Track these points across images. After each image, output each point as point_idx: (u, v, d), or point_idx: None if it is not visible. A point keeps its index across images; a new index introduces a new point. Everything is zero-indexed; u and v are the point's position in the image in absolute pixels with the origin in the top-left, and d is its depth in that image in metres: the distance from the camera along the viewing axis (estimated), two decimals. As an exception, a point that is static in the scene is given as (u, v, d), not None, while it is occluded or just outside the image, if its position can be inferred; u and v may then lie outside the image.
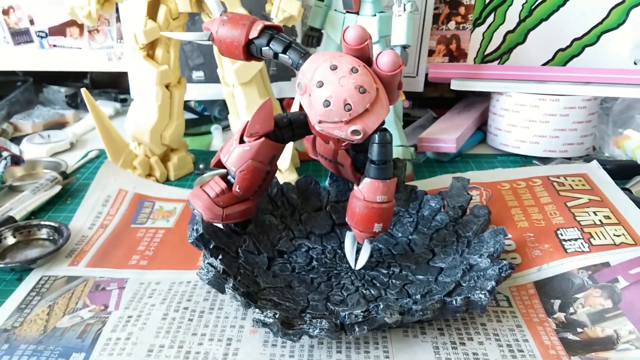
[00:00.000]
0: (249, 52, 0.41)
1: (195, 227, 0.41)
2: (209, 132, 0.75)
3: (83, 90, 0.52)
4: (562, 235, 0.45)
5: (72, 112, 0.77)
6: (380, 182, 0.39)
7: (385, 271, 0.43)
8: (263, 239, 0.46)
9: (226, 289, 0.36)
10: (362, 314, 0.34)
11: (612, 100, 0.69)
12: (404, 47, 0.54)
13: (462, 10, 0.70)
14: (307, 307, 0.39)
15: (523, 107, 0.65)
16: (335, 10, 0.58)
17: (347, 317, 0.34)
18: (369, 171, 0.39)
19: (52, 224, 0.48)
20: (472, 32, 0.72)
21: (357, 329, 0.34)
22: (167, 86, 0.56)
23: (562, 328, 0.38)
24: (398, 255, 0.46)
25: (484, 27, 0.72)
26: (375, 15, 0.56)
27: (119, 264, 0.45)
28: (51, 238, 0.48)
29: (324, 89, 0.37)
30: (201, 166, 0.63)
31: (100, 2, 0.51)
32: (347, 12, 0.57)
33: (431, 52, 0.73)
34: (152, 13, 0.52)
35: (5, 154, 0.57)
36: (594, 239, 0.44)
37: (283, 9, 0.51)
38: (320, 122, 0.38)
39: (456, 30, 0.72)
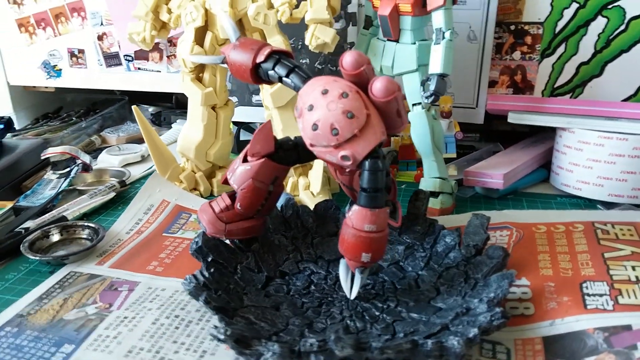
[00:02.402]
0: (258, 75, 0.43)
1: (196, 240, 0.43)
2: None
3: (134, 108, 0.57)
4: (587, 289, 0.40)
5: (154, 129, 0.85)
6: (369, 210, 0.38)
7: (380, 305, 0.42)
8: (267, 258, 0.46)
9: (200, 300, 0.37)
10: (317, 342, 0.33)
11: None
12: (442, 77, 0.52)
13: (528, 39, 0.66)
14: (282, 330, 0.38)
15: (586, 145, 0.59)
16: (378, 38, 0.58)
17: (302, 344, 0.33)
18: (359, 199, 0.39)
19: (93, 225, 0.53)
20: (539, 63, 0.67)
21: (312, 358, 0.33)
22: (213, 107, 0.60)
23: (560, 392, 0.34)
24: (401, 290, 0.44)
25: (553, 58, 0.67)
26: (415, 43, 0.55)
27: (139, 267, 0.48)
28: (90, 238, 0.53)
29: (313, 113, 0.37)
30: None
31: (157, 28, 0.56)
32: (387, 40, 0.56)
33: (494, 83, 0.69)
34: (200, 39, 0.56)
35: (77, 162, 0.64)
36: (622, 297, 0.38)
37: (317, 36, 0.52)
38: (311, 145, 0.38)
39: (522, 61, 0.67)
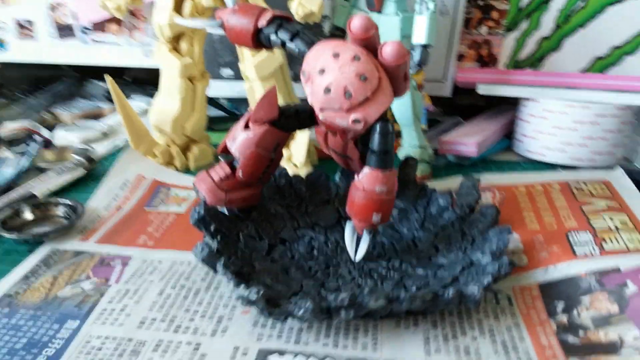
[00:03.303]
0: (258, 40, 0.42)
1: (197, 209, 0.42)
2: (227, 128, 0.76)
3: (108, 78, 0.54)
4: (572, 238, 0.43)
5: (109, 106, 0.81)
6: (380, 172, 0.39)
7: (385, 264, 0.43)
8: (266, 226, 0.46)
9: (217, 267, 0.37)
10: (348, 297, 0.33)
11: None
12: (425, 47, 0.54)
13: (494, 14, 0.69)
14: (299, 291, 0.39)
15: (551, 114, 0.63)
16: (358, 9, 0.58)
17: (333, 300, 0.33)
18: (369, 161, 0.39)
19: (69, 202, 0.50)
20: (504, 38, 0.70)
21: (342, 314, 0.34)
22: (190, 79, 0.58)
23: (563, 330, 0.36)
24: (401, 250, 0.45)
25: (517, 33, 0.70)
26: (398, 14, 0.56)
27: (126, 242, 0.47)
28: (67, 216, 0.50)
29: (325, 76, 0.37)
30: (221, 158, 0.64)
31: (131, -5, 0.53)
32: (370, 10, 0.57)
33: (462, 57, 0.72)
34: (179, 7, 0.54)
35: (37, 137, 0.60)
36: (606, 243, 0.42)
37: (303, 5, 0.52)
38: (321, 109, 0.38)
39: (488, 35, 0.70)
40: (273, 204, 0.48)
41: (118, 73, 0.87)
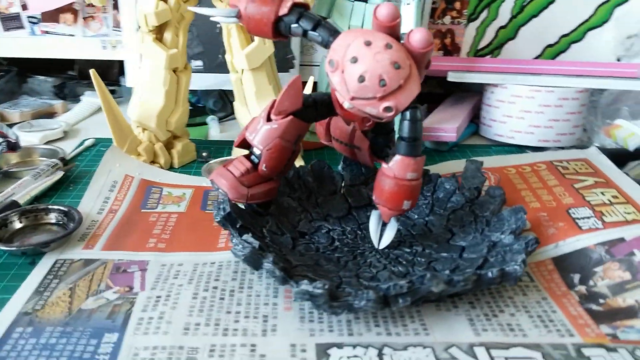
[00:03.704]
0: (277, 29, 0.41)
1: (222, 207, 0.41)
2: (203, 124, 0.74)
3: (92, 72, 0.50)
4: (574, 214, 0.47)
5: (60, 102, 0.75)
6: (412, 159, 0.40)
7: (408, 250, 0.44)
8: (284, 220, 0.46)
9: (265, 264, 0.36)
10: (406, 284, 0.34)
11: (598, 93, 0.72)
12: (412, 36, 0.55)
13: (457, 5, 0.72)
14: (340, 283, 0.39)
15: (519, 99, 0.67)
16: (345, -1, 0.59)
17: (391, 288, 0.34)
18: (400, 148, 0.40)
19: (62, 208, 0.47)
20: (466, 27, 0.74)
21: (400, 301, 0.34)
22: (174, 71, 0.55)
23: (585, 300, 0.39)
24: (418, 235, 0.46)
25: (477, 22, 0.74)
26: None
27: (137, 246, 0.44)
28: (60, 222, 0.46)
29: (359, 65, 0.37)
30: (204, 154, 0.62)
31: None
32: (355, 0, 0.57)
33: (427, 46, 0.74)
34: (165, -5, 0.51)
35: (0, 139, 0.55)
36: (606, 216, 0.46)
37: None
38: (353, 98, 0.38)
39: (451, 25, 0.73)
40: (284, 197, 0.47)
41: (63, 68, 0.81)
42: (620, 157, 0.60)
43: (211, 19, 0.42)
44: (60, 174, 0.53)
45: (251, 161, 0.43)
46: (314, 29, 0.40)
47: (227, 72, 0.72)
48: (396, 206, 0.41)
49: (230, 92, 0.77)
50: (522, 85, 0.66)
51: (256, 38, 0.54)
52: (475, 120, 0.75)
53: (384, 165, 0.41)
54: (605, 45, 0.75)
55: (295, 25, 0.40)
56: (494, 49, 0.75)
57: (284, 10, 0.40)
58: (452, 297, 0.39)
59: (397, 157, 0.40)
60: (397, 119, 0.41)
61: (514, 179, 0.53)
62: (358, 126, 0.44)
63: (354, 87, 0.37)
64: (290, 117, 0.41)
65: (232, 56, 0.56)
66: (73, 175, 0.56)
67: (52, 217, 0.46)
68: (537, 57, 0.76)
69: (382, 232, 0.43)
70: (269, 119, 0.41)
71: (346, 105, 0.39)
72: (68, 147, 0.62)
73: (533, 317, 0.38)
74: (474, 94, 0.78)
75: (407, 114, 0.39)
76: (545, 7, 0.73)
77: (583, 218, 0.46)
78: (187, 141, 0.60)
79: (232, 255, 0.42)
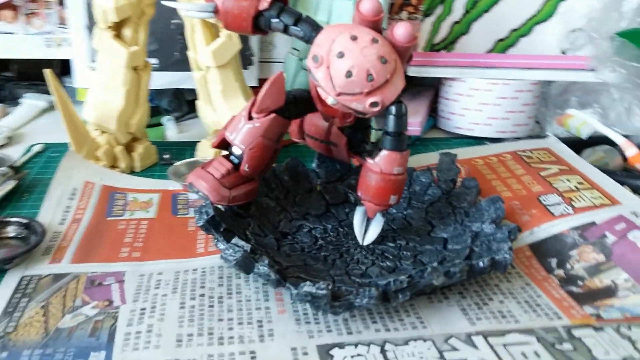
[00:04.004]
0: (256, 25, 0.40)
1: (204, 210, 0.39)
2: (158, 124, 0.71)
3: (48, 71, 0.47)
4: (544, 201, 0.48)
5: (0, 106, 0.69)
6: (398, 153, 0.39)
7: (392, 244, 0.44)
8: (265, 221, 0.44)
9: (259, 268, 0.34)
10: (406, 279, 0.34)
11: (547, 85, 0.75)
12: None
13: (414, 0, 0.73)
14: (333, 282, 0.38)
15: (477, 92, 0.68)
16: (310, -7, 0.58)
17: (392, 284, 0.34)
18: (385, 143, 0.40)
19: (21, 220, 0.43)
20: (422, 22, 0.75)
21: (400, 296, 0.34)
22: (134, 69, 0.52)
23: (565, 283, 0.41)
24: (399, 229, 0.46)
25: (433, 18, 0.75)
26: (350, -1, 0.56)
27: (109, 257, 0.41)
28: (20, 236, 0.42)
29: (346, 60, 0.36)
30: (165, 156, 0.59)
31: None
32: (321, -6, 0.57)
33: (384, 41, 0.75)
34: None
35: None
36: (575, 202, 0.47)
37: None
38: (339, 94, 0.37)
39: (408, 20, 0.74)
40: (262, 197, 0.46)
41: (1, 68, 0.75)
42: (575, 145, 0.63)
43: (185, 14, 0.40)
44: (12, 183, 0.49)
45: (231, 161, 0.41)
46: (295, 24, 0.39)
47: (184, 70, 0.70)
48: (383, 201, 0.40)
49: (186, 90, 0.75)
50: (480, 78, 0.68)
51: (222, 34, 0.52)
52: (431, 114, 0.76)
53: (369, 160, 0.40)
54: (551, 38, 0.78)
55: (276, 20, 0.39)
56: (449, 43, 0.77)
57: (264, 4, 0.39)
58: (442, 289, 0.39)
59: (384, 152, 0.39)
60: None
61: (483, 169, 0.55)
62: (339, 122, 0.44)
63: (341, 83, 0.36)
64: (273, 115, 0.40)
65: (196, 53, 0.53)
66: (25, 184, 0.52)
67: (11, 231, 0.43)
68: (489, 52, 0.78)
69: (366, 228, 0.43)
70: (250, 118, 0.40)
71: (330, 101, 0.38)
72: (14, 154, 0.58)
73: (521, 302, 0.38)
74: (429, 88, 0.80)
75: (393, 108, 0.39)
76: (496, 3, 0.75)
77: (554, 205, 0.48)
78: (148, 143, 0.57)
79: (214, 260, 0.41)
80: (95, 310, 0.36)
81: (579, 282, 0.41)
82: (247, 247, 0.36)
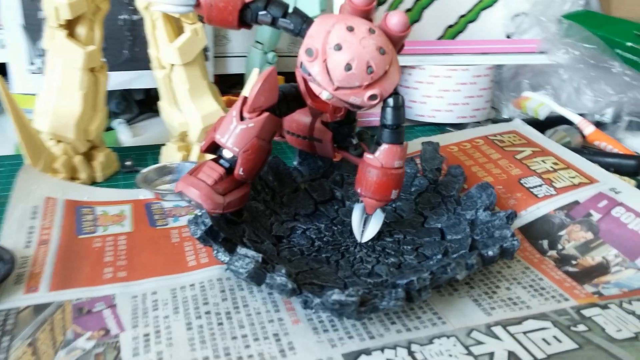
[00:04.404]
0: (242, 18, 0.37)
1: (201, 220, 0.36)
2: (109, 129, 0.66)
3: (-3, 78, 0.41)
4: (526, 183, 0.49)
5: None
6: (398, 146, 0.38)
7: (390, 239, 0.43)
8: (258, 226, 0.42)
9: (276, 278, 0.32)
10: (429, 276, 0.33)
11: (498, 69, 0.77)
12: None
13: (367, -12, 0.72)
14: (344, 285, 0.36)
15: (437, 79, 0.69)
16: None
17: (416, 282, 0.33)
18: (385, 137, 0.38)
19: (-18, 247, 0.38)
20: (376, 11, 0.74)
21: (423, 294, 0.33)
22: (91, 71, 0.48)
23: (560, 263, 0.42)
24: (392, 223, 0.45)
25: (386, 6, 0.75)
26: (315, -13, 0.54)
27: (92, 280, 0.37)
28: (-17, 265, 0.37)
29: (344, 52, 0.34)
30: (127, 163, 0.55)
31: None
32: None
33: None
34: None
35: None
36: (555, 182, 0.49)
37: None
38: (337, 88, 0.35)
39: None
40: (250, 201, 0.43)
41: None
42: (534, 126, 0.65)
43: (161, 9, 0.36)
44: (-39, 206, 0.43)
45: (222, 166, 0.38)
46: (284, 16, 0.37)
47: (134, 69, 0.65)
48: (384, 197, 0.39)
49: (134, 90, 0.70)
50: (439, 65, 0.68)
51: (187, 29, 0.48)
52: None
53: (368, 156, 0.39)
54: (497, 23, 0.80)
55: (264, 12, 0.37)
56: (402, 31, 0.77)
57: (250, -4, 0.36)
58: (450, 281, 0.39)
59: (384, 146, 0.38)
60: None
61: (460, 156, 0.55)
62: (329, 117, 0.42)
63: (339, 76, 0.35)
64: (267, 113, 0.37)
65: (158, 50, 0.49)
66: (-27, 204, 0.46)
67: (-28, 260, 0.38)
68: (439, 38, 0.79)
69: (363, 225, 0.42)
70: (242, 118, 0.37)
71: (325, 96, 0.36)
72: (-49, 172, 0.51)
73: (526, 287, 0.39)
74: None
75: (390, 100, 0.38)
76: (446, -11, 0.76)
77: (535, 187, 0.49)
78: (109, 150, 0.53)
79: (211, 272, 0.39)
80: (92, 342, 0.32)
81: (573, 262, 0.42)
82: (259, 257, 0.33)
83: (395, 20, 0.37)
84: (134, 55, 0.65)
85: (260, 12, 0.37)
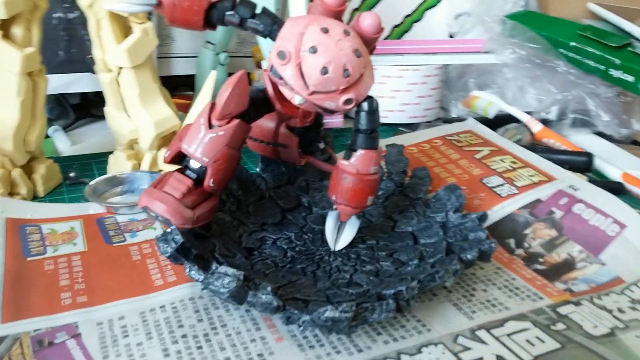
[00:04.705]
0: (207, 19, 0.35)
1: (172, 237, 0.33)
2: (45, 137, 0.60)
3: None
4: (488, 183, 0.50)
5: None
6: (374, 151, 0.37)
7: (363, 246, 0.42)
8: (227, 239, 0.40)
9: (261, 296, 0.30)
10: (417, 285, 0.32)
11: (445, 68, 0.78)
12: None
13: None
14: (327, 298, 0.35)
15: (389, 79, 0.69)
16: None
17: (405, 292, 0.32)
18: (359, 142, 0.37)
19: None
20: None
21: (411, 303, 0.32)
22: (29, 75, 0.43)
23: (529, 261, 0.42)
24: (362, 228, 0.44)
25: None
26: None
27: (49, 308, 0.34)
28: None
29: (320, 55, 0.33)
30: (71, 174, 0.50)
31: None
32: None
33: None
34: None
35: None
36: (516, 181, 0.50)
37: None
38: (312, 93, 0.34)
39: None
40: (217, 212, 0.41)
41: None
42: (486, 125, 0.66)
43: (117, 8, 0.33)
44: None
45: (188, 177, 0.36)
46: (252, 17, 0.35)
47: (70, 72, 0.60)
48: (360, 204, 0.38)
49: (70, 95, 0.65)
50: (390, 65, 0.68)
51: (136, 29, 0.45)
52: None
53: (343, 162, 0.38)
54: (440, 22, 0.81)
55: (231, 12, 0.34)
56: (351, 31, 0.76)
57: (217, -5, 0.34)
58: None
59: (360, 152, 0.37)
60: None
61: (421, 157, 0.55)
62: (299, 122, 0.40)
63: (315, 80, 0.33)
64: (237, 120, 0.35)
65: (104, 52, 0.46)
66: None
67: None
68: (386, 38, 0.79)
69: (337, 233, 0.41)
70: (210, 126, 0.35)
71: (297, 100, 0.35)
72: None
73: (501, 288, 0.39)
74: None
75: (365, 104, 0.36)
76: (392, -11, 0.76)
77: (498, 186, 0.50)
78: (50, 162, 0.48)
79: (181, 292, 0.36)
80: (57, 380, 0.29)
81: (540, 259, 0.43)
82: (241, 275, 0.31)
83: (368, 21, 0.36)
84: (71, 56, 0.60)
85: (228, 13, 0.34)
